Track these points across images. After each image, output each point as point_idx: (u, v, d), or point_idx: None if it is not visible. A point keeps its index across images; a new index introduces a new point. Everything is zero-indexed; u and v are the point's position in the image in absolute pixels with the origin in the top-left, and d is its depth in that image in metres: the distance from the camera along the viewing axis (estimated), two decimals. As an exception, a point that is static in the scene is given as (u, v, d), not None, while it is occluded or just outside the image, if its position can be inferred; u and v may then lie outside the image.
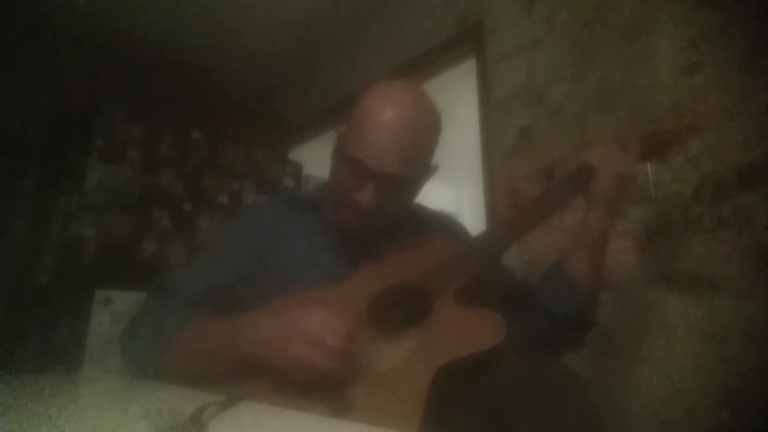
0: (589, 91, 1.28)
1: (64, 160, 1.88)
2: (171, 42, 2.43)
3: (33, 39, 2.21)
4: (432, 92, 0.81)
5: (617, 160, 0.78)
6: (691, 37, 1.08)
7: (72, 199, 1.76)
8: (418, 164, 0.74)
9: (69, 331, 1.58)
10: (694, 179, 1.02)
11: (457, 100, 1.83)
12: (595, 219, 0.77)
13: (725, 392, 0.90)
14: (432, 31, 1.90)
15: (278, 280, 0.72)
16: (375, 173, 0.69)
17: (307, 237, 0.80)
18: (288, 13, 2.22)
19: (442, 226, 0.91)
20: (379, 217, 0.74)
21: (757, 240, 0.92)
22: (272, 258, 0.77)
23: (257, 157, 2.31)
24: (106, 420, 0.46)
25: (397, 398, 0.54)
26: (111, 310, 1.60)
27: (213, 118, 2.53)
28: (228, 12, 2.23)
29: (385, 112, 0.71)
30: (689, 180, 1.03)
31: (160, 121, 2.02)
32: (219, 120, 2.57)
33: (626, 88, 1.19)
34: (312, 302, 0.62)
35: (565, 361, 0.76)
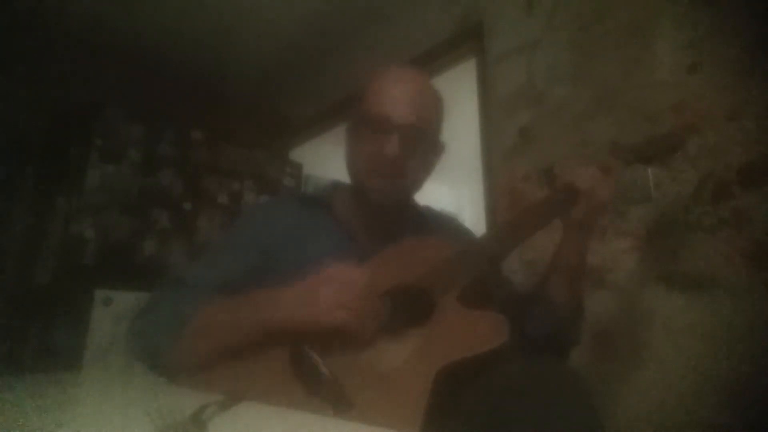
0: (589, 91, 1.28)
1: (64, 160, 1.88)
2: (171, 42, 2.43)
3: (32, 39, 2.20)
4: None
5: (599, 185, 0.76)
6: (691, 37, 1.08)
7: (72, 199, 1.76)
8: (432, 124, 0.81)
9: (69, 331, 1.58)
10: (694, 179, 1.02)
11: (457, 100, 1.83)
12: (574, 243, 0.78)
13: (725, 392, 0.90)
14: (432, 31, 1.90)
15: (288, 277, 0.73)
16: (397, 124, 0.75)
17: (317, 235, 0.81)
18: (288, 13, 2.22)
19: (446, 226, 0.92)
20: (403, 178, 0.78)
21: (757, 240, 0.92)
22: (282, 255, 0.78)
23: (257, 157, 2.31)
24: (106, 420, 0.46)
25: (398, 398, 0.54)
26: (111, 310, 1.60)
27: (213, 118, 2.52)
28: (228, 12, 2.22)
29: (399, 78, 0.80)
30: (689, 180, 1.03)
31: (160, 121, 2.02)
32: (219, 120, 2.57)
33: (626, 88, 1.19)
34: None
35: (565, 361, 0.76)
